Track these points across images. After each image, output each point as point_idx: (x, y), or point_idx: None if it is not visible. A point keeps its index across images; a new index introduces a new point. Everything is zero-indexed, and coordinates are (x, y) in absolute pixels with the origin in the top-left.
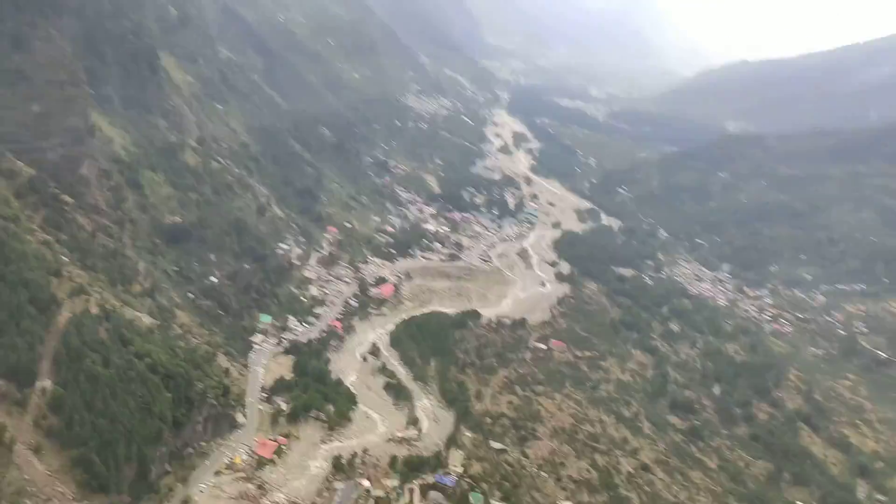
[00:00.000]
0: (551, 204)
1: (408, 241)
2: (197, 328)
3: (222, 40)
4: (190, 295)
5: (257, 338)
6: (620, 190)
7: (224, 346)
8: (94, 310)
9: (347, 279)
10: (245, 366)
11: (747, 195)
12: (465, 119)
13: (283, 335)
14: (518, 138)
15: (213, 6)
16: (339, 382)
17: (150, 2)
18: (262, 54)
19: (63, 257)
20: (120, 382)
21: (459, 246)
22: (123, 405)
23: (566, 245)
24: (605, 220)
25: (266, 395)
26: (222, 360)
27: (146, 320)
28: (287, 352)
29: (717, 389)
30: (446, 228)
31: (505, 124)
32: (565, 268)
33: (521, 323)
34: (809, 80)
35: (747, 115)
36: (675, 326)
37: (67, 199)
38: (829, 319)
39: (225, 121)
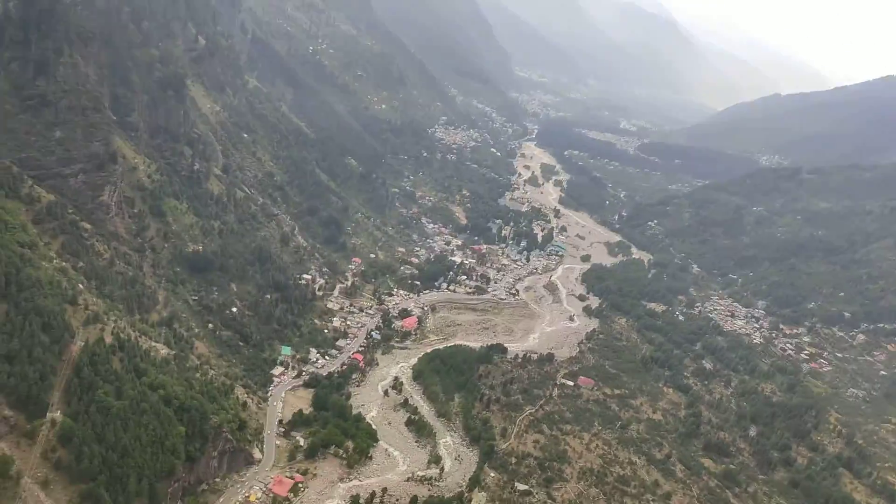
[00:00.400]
0: (580, 237)
1: (433, 273)
2: (216, 359)
3: (252, 70)
4: (210, 325)
5: (277, 370)
6: (651, 223)
7: (243, 378)
8: (109, 339)
9: (371, 311)
10: (264, 399)
11: (782, 230)
12: (494, 150)
13: (303, 367)
14: (547, 170)
15: (242, 37)
16: (360, 417)
17: (179, 31)
18: (292, 85)
19: (80, 285)
20: (132, 415)
21: (486, 278)
22: (135, 438)
23: (595, 278)
24: (636, 253)
25: (284, 430)
26: (240, 393)
27: (162, 351)
28: (307, 385)
29: (753, 431)
30: (473, 260)
31: (534, 156)
32: (594, 302)
33: (548, 358)
34: (845, 113)
35: (780, 148)
36: (708, 364)
37: (86, 225)
38: (870, 359)
39: (251, 150)
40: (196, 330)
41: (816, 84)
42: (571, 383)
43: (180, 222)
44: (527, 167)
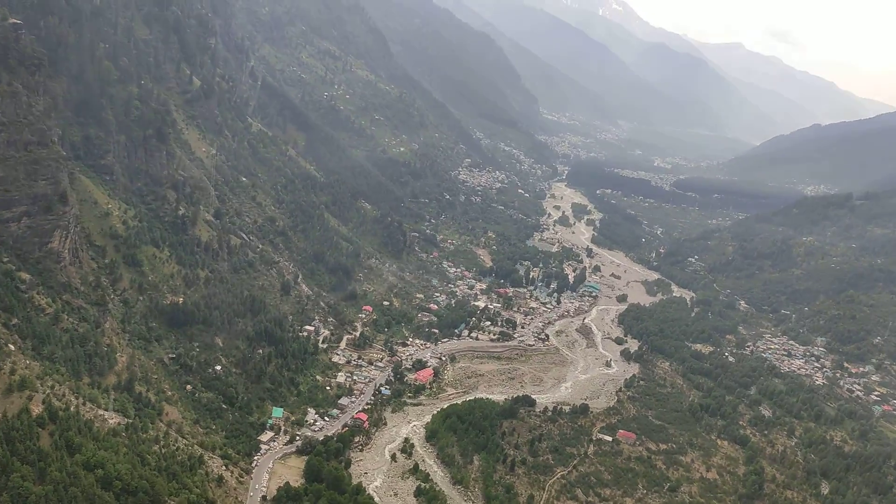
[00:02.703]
0: (615, 276)
1: (453, 320)
2: (190, 426)
3: (263, 116)
4: (188, 386)
5: (266, 435)
6: (692, 259)
7: (223, 447)
8: (38, 409)
9: (381, 363)
10: (247, 470)
11: (837, 260)
12: (522, 192)
13: (298, 431)
14: (578, 210)
15: (252, 83)
16: (360, 489)
17: (172, 72)
18: (304, 130)
19: (10, 345)
20: (57, 502)
21: (512, 323)
22: None
23: (633, 320)
24: (677, 291)
25: None
26: (216, 465)
27: (112, 420)
28: (300, 451)
29: (825, 489)
30: (498, 305)
31: (564, 196)
32: (633, 345)
33: (582, 410)
34: (889, 139)
35: (825, 178)
36: (766, 411)
37: (24, 276)
38: None
39: (251, 194)
40: (168, 393)
41: (856, 113)
42: (610, 438)
43: (158, 272)
44: (557, 207)
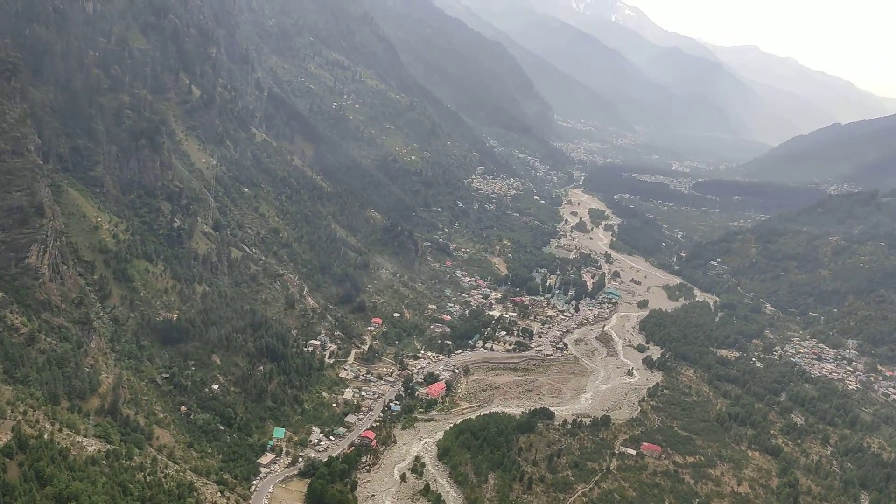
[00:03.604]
0: (635, 282)
1: (467, 331)
2: (183, 450)
3: (270, 126)
4: (182, 408)
5: (266, 457)
6: (714, 262)
7: (219, 472)
8: (5, 438)
9: (391, 378)
10: (244, 496)
11: (866, 258)
12: (538, 198)
13: (301, 452)
14: (596, 215)
15: (259, 94)
16: None
17: (171, 82)
18: (312, 140)
19: None
20: None
21: (529, 333)
22: None
23: (655, 326)
24: (699, 295)
25: None
26: (210, 492)
27: (91, 448)
28: (303, 474)
29: (865, 500)
30: (514, 314)
31: (581, 202)
32: (655, 352)
33: (603, 422)
34: None
35: (847, 177)
36: (798, 418)
37: None
38: None
39: (253, 205)
40: (160, 415)
41: (875, 112)
42: (633, 452)
43: (151, 287)
44: (574, 213)
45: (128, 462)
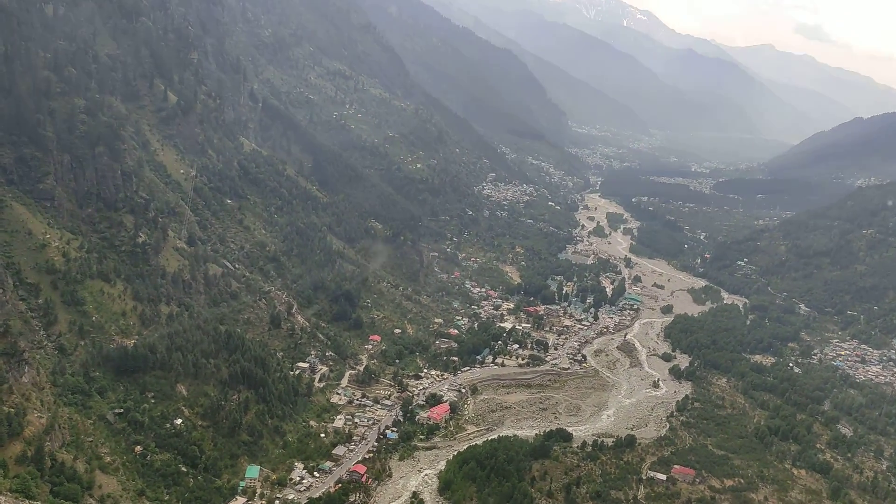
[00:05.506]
0: (658, 286)
1: (476, 345)
2: (132, 499)
3: (266, 138)
4: (137, 448)
5: (236, 502)
6: (741, 262)
7: None
8: None
9: (389, 401)
10: None
11: None
12: (552, 204)
13: (277, 494)
14: (614, 219)
15: (253, 105)
16: None
17: (143, 88)
18: (310, 150)
19: None
20: None
21: (543, 345)
22: None
23: (681, 332)
24: (727, 298)
25: None
26: None
27: None
28: None
29: None
30: (527, 325)
31: (598, 207)
32: (683, 361)
33: (628, 442)
34: None
35: (872, 169)
36: (846, 429)
37: None
38: None
39: (237, 217)
40: (107, 459)
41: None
42: (663, 477)
43: (106, 310)
44: (591, 218)
45: None
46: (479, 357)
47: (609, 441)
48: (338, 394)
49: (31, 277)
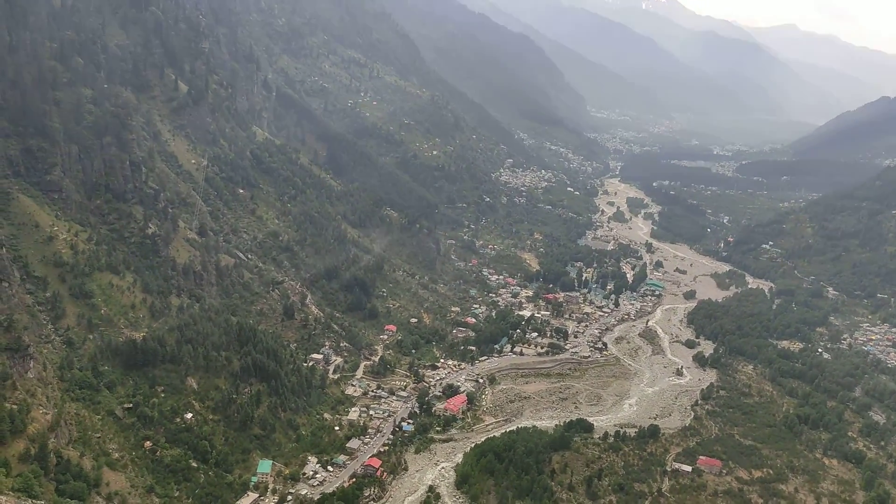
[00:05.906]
0: (680, 271)
1: (494, 334)
2: (140, 496)
3: (280, 127)
4: (147, 443)
5: (247, 498)
6: (766, 245)
7: None
8: None
9: (404, 392)
10: None
11: None
12: (571, 190)
13: (290, 489)
14: (634, 204)
15: (267, 95)
16: None
17: (154, 78)
18: (325, 139)
19: None
20: None
21: (563, 333)
22: None
23: (705, 318)
24: (752, 282)
25: None
26: None
27: None
28: None
29: None
30: (546, 312)
31: (618, 192)
32: (707, 347)
33: (651, 433)
34: None
35: None
36: (879, 416)
37: None
38: None
39: (249, 207)
40: (116, 455)
41: None
42: (689, 468)
43: (115, 303)
44: (611, 203)
45: None
46: (497, 346)
47: (631, 431)
48: (352, 385)
49: (38, 270)
